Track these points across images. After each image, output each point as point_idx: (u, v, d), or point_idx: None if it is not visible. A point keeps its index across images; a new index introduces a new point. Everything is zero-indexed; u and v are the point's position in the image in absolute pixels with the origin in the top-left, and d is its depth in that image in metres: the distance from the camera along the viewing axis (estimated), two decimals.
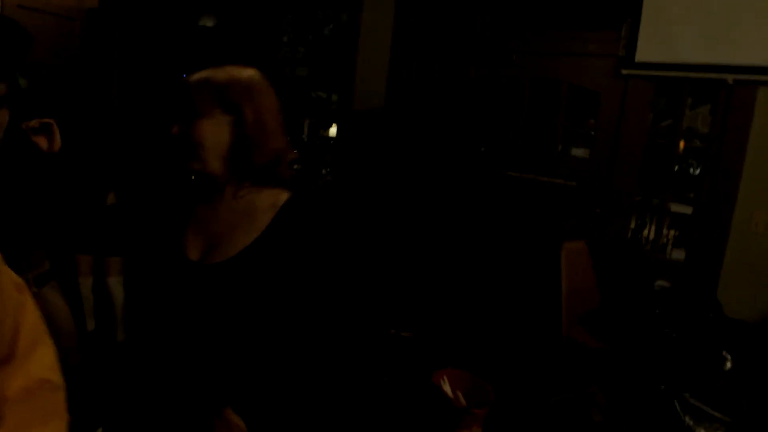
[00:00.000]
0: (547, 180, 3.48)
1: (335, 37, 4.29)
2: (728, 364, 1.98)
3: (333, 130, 4.34)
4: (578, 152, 3.48)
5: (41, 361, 0.83)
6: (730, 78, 2.90)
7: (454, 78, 3.69)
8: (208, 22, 4.65)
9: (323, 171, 4.28)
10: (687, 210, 3.12)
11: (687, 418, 1.83)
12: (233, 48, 4.48)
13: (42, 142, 1.28)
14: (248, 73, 1.23)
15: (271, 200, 1.24)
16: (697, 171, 3.14)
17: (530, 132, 3.63)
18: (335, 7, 4.23)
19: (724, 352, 2.00)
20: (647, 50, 3.16)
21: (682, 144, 3.18)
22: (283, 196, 1.25)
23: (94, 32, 4.60)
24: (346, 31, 4.10)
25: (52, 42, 4.42)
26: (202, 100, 1.16)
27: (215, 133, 1.17)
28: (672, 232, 3.22)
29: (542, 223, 3.42)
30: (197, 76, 1.19)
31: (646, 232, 3.28)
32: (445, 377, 2.45)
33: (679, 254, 3.09)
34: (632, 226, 3.27)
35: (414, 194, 3.71)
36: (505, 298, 3.39)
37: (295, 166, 4.39)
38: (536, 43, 3.54)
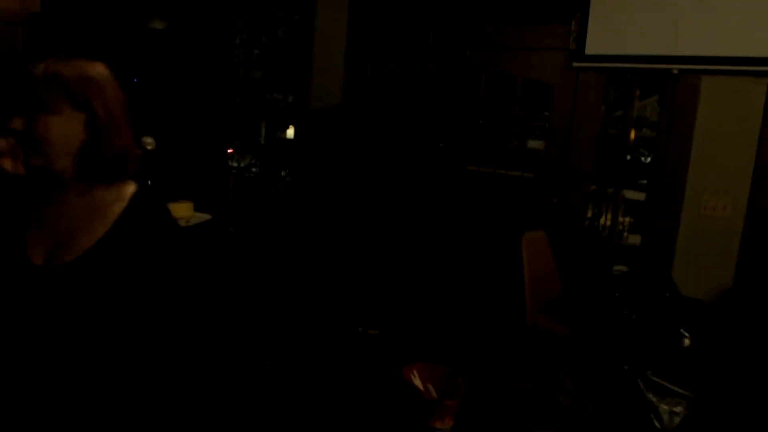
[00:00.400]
0: (505, 173, 3.54)
1: (289, 38, 4.26)
2: (686, 341, 2.05)
3: (290, 132, 4.31)
4: (534, 144, 3.56)
5: None
6: (675, 68, 3.01)
7: (410, 75, 3.71)
8: (159, 25, 4.55)
9: (282, 173, 4.25)
10: (640, 196, 3.22)
11: (650, 395, 1.89)
12: (184, 51, 4.39)
13: (7, 163, 1.19)
14: (98, 68, 1.18)
15: (118, 194, 1.20)
16: (648, 159, 3.25)
17: (487, 126, 3.68)
18: (288, 8, 4.21)
19: (682, 330, 2.07)
20: (596, 43, 3.25)
21: (633, 133, 3.29)
22: (130, 188, 1.22)
23: (38, 37, 4.44)
24: (300, 31, 4.08)
25: None
26: (50, 95, 1.10)
27: (64, 129, 1.11)
28: (627, 219, 3.32)
29: (502, 214, 3.48)
30: (43, 69, 1.12)
31: (602, 219, 3.37)
32: (415, 371, 2.46)
33: (634, 239, 3.20)
34: (589, 214, 3.36)
35: (375, 191, 3.72)
36: (470, 290, 3.43)
37: (253, 169, 4.34)
38: (490, 38, 3.60)
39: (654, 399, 1.92)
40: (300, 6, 4.05)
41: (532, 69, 3.49)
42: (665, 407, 1.91)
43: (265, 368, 2.93)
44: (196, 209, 3.31)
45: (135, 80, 4.20)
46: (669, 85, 3.06)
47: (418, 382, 2.41)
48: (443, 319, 3.35)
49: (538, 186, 3.44)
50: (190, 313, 1.23)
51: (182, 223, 2.91)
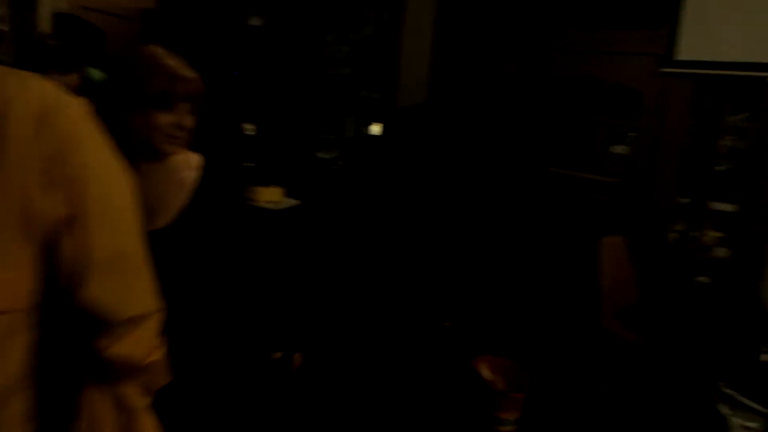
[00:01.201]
0: (588, 176, 3.52)
1: (378, 36, 4.39)
2: (765, 356, 2.01)
3: (376, 128, 4.45)
4: (619, 150, 3.51)
5: None
6: None
7: (495, 75, 3.76)
8: (256, 22, 4.82)
9: (367, 167, 4.40)
10: (729, 208, 3.12)
11: (722, 407, 1.87)
12: (279, 46, 4.63)
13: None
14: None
15: (186, 162, 1.37)
16: (739, 169, 3.14)
17: (572, 129, 3.67)
18: (377, 6, 4.33)
19: (760, 345, 2.03)
20: (688, 49, 3.18)
21: (723, 142, 3.19)
22: (195, 157, 1.39)
23: (151, 32, 4.82)
24: (388, 29, 4.20)
25: (112, 41, 4.66)
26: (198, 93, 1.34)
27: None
28: (713, 230, 3.22)
29: (582, 218, 3.47)
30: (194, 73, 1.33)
31: (687, 229, 3.28)
32: (483, 363, 2.52)
33: (721, 252, 3.10)
34: (673, 223, 3.29)
35: (455, 188, 3.80)
36: (544, 290, 3.45)
37: (340, 162, 4.53)
38: (576, 41, 3.59)
39: (727, 412, 1.90)
40: (389, 4, 4.17)
41: (620, 74, 3.46)
42: (738, 421, 1.89)
43: (339, 354, 3.10)
44: (286, 195, 3.54)
45: (235, 73, 4.49)
46: (765, 94, 2.95)
47: (486, 373, 2.48)
48: (515, 317, 3.38)
49: (621, 192, 3.40)
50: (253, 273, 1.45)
51: (272, 207, 3.12)
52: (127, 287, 0.83)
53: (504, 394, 2.40)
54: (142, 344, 0.85)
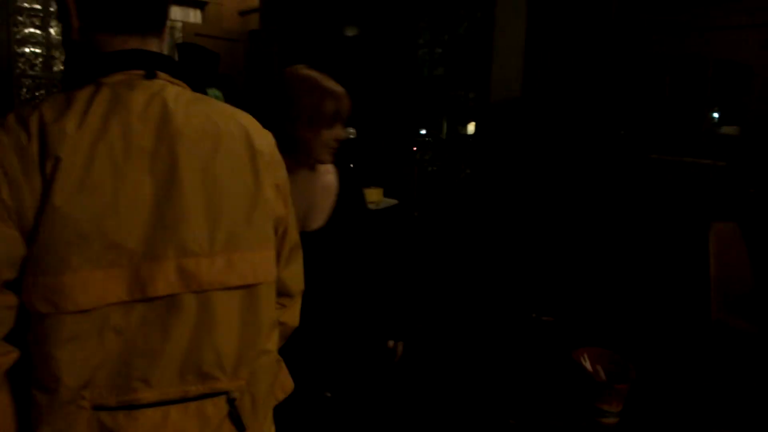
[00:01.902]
0: (694, 161, 3.36)
1: (470, 35, 4.43)
2: None
3: (471, 127, 4.50)
4: (727, 131, 3.32)
5: None
6: None
7: (591, 62, 3.68)
8: (352, 32, 5.05)
9: (462, 167, 4.46)
10: None
11: None
12: (374, 53, 4.82)
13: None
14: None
15: (326, 170, 1.57)
16: None
17: (674, 112, 3.52)
18: (469, 5, 4.38)
19: None
20: None
21: None
22: (332, 167, 1.59)
23: (257, 51, 5.20)
24: (480, 27, 4.24)
25: (222, 61, 5.09)
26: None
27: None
28: None
29: (689, 204, 3.32)
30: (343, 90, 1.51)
31: None
32: (585, 354, 2.52)
33: None
34: None
35: (554, 181, 3.77)
36: (650, 280, 3.34)
37: (436, 163, 4.63)
38: (675, 19, 3.43)
39: None
40: (480, 2, 4.20)
41: (726, 49, 3.27)
42: None
43: (442, 350, 3.20)
44: (385, 195, 3.70)
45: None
46: None
47: (587, 364, 2.47)
48: (619, 308, 3.31)
49: (732, 175, 3.22)
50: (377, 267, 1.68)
51: (372, 207, 3.27)
52: (300, 267, 1.12)
53: (606, 385, 2.39)
54: (297, 314, 1.15)
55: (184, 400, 0.85)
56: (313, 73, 1.50)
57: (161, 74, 0.89)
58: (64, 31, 0.92)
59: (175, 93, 0.88)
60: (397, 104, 4.76)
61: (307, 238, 1.47)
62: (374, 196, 3.49)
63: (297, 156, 1.48)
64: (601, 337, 2.85)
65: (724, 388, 2.30)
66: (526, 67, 3.98)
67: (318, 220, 1.53)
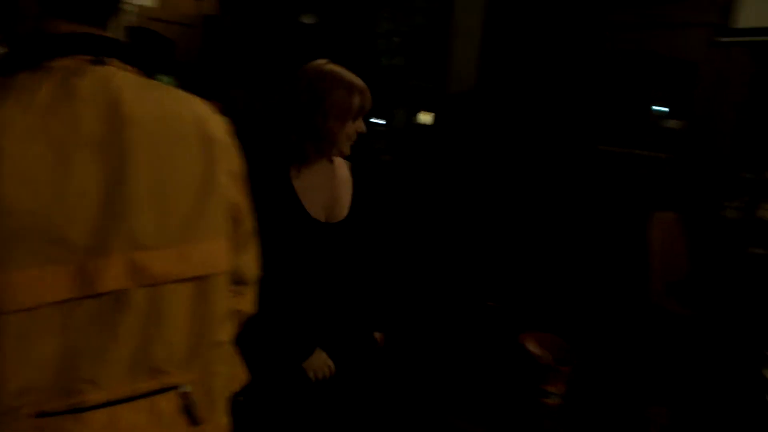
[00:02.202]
0: (640, 152, 3.48)
1: (428, 25, 4.45)
2: None
3: (426, 117, 4.53)
4: (672, 124, 3.45)
5: None
6: None
7: (545, 56, 3.76)
8: (310, 20, 5.01)
9: (417, 155, 4.49)
10: None
11: (766, 373, 1.88)
12: (332, 42, 4.80)
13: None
14: None
15: (343, 166, 1.67)
16: None
17: (622, 106, 3.63)
18: None
19: None
20: (746, 16, 3.08)
21: None
22: (344, 161, 1.68)
23: (212, 36, 5.11)
24: (438, 18, 4.27)
25: (177, 47, 4.98)
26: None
27: None
28: None
29: (634, 194, 3.43)
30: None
31: (746, 203, 3.19)
32: (531, 338, 2.60)
33: None
34: (730, 197, 3.20)
35: (506, 172, 3.84)
36: (593, 267, 3.45)
37: (388, 154, 4.65)
38: (627, 16, 3.53)
39: None
40: None
41: (673, 46, 3.38)
42: None
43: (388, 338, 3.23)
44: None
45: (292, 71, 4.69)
46: None
47: (533, 347, 2.55)
48: (562, 294, 3.41)
49: (675, 167, 3.35)
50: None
51: None
52: (255, 255, 1.12)
53: (550, 368, 2.47)
54: (253, 301, 1.15)
55: (134, 398, 0.83)
56: (341, 69, 1.57)
57: (111, 60, 0.85)
58: (5, 17, 0.86)
59: (125, 79, 0.85)
60: None
61: (334, 229, 1.54)
62: None
63: (322, 148, 1.55)
64: (546, 322, 2.93)
65: (661, 368, 2.41)
66: (482, 59, 4.03)
67: (342, 212, 1.60)
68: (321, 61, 1.58)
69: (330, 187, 1.60)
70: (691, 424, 1.98)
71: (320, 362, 1.56)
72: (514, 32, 3.87)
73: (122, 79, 0.84)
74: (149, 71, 0.93)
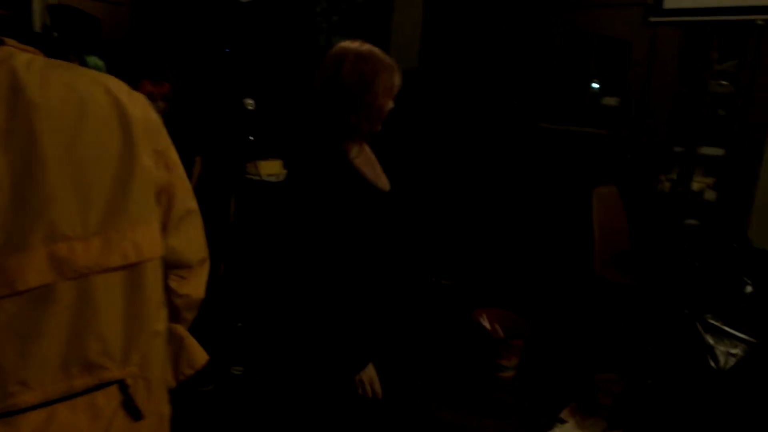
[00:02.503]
0: (579, 129, 3.59)
1: (369, 4, 4.40)
2: (749, 288, 2.11)
3: None
4: (609, 101, 3.57)
5: None
6: (760, 19, 2.94)
7: (486, 36, 3.79)
8: None
9: None
10: (718, 152, 3.19)
11: (708, 337, 1.99)
12: (270, 21, 4.66)
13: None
14: None
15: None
16: (727, 115, 3.19)
17: (562, 84, 3.72)
18: None
19: (745, 278, 2.13)
20: None
21: (711, 88, 3.23)
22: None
23: (140, 15, 4.86)
24: None
25: (104, 26, 4.70)
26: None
27: None
28: (703, 176, 3.29)
29: (575, 170, 3.55)
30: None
31: (679, 175, 3.36)
32: (483, 314, 2.65)
33: (710, 195, 3.18)
34: (665, 170, 3.36)
35: (449, 147, 3.87)
36: (539, 243, 3.55)
37: None
38: None
39: (711, 341, 2.02)
40: None
41: (608, 26, 3.49)
42: (722, 349, 2.00)
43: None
44: (285, 167, 3.63)
45: (227, 50, 4.53)
46: (753, 38, 2.99)
47: (486, 323, 2.61)
48: (513, 271, 3.50)
49: (613, 143, 3.47)
50: None
51: (273, 179, 3.21)
52: (196, 235, 1.04)
53: (503, 341, 2.54)
54: (201, 285, 1.08)
55: (71, 396, 0.78)
56: (378, 50, 1.60)
57: (7, 40, 0.77)
58: None
59: (25, 61, 0.77)
60: (294, 73, 4.65)
61: (386, 197, 1.63)
62: (274, 168, 3.40)
63: (375, 125, 1.60)
64: (498, 298, 3.00)
65: (607, 336, 2.52)
66: (423, 38, 4.03)
67: (386, 184, 1.68)
68: (354, 43, 1.59)
69: (375, 160, 1.71)
70: (638, 389, 2.08)
71: (371, 377, 1.62)
72: (454, 11, 3.88)
73: (21, 60, 0.77)
74: (74, 52, 0.87)
